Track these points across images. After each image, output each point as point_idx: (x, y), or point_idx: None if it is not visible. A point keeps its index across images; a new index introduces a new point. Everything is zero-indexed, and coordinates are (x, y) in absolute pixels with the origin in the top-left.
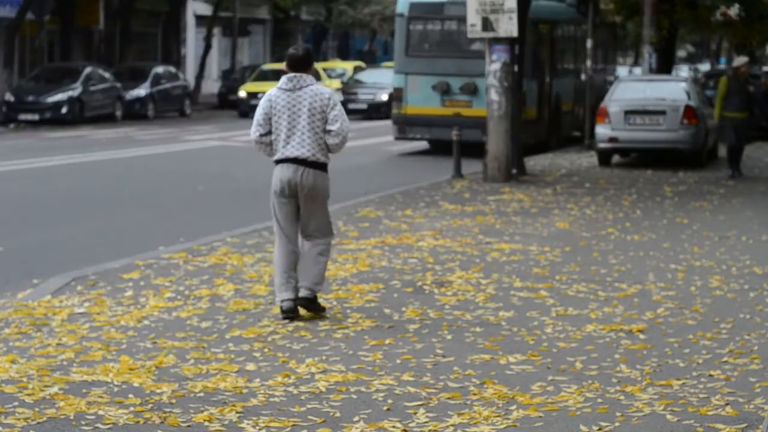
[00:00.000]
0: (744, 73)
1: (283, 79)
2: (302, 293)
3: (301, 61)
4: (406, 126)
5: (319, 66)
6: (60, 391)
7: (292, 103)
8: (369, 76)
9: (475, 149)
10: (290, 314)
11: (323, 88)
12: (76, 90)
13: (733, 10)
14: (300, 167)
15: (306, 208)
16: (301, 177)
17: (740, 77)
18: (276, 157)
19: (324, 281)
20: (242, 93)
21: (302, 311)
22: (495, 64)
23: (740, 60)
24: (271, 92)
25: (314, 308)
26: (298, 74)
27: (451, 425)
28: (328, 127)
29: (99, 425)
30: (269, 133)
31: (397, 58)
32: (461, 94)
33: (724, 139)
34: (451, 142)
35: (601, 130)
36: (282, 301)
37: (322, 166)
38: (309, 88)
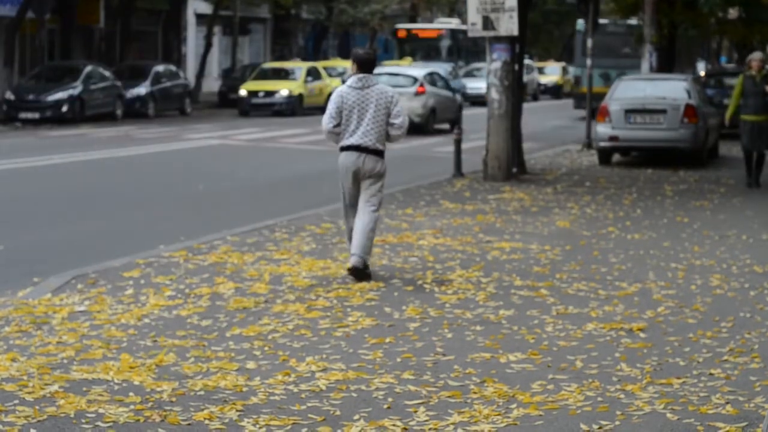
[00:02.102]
0: (760, 69)
1: (353, 78)
2: (354, 261)
3: (369, 63)
4: (581, 100)
5: (319, 65)
6: (60, 390)
7: (361, 99)
8: None
9: None
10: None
11: (387, 87)
12: (76, 89)
13: (733, 11)
14: (362, 154)
15: (366, 186)
16: (363, 161)
17: (757, 76)
18: (343, 144)
19: (371, 250)
20: (243, 92)
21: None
22: (495, 62)
23: (754, 54)
24: (341, 89)
25: (365, 273)
26: (366, 75)
27: (452, 424)
28: (392, 121)
29: (99, 423)
30: (339, 124)
31: (576, 56)
32: (617, 79)
33: (743, 144)
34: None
35: (602, 129)
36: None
37: (380, 153)
38: (375, 87)
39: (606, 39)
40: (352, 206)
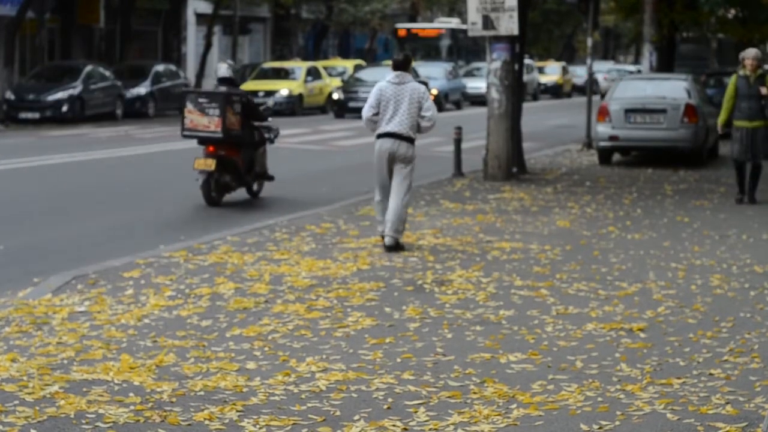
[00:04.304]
0: (755, 69)
1: (392, 75)
2: (388, 241)
3: (403, 64)
4: None
5: (319, 64)
6: (60, 390)
7: (397, 93)
8: (369, 74)
9: None
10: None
11: (419, 84)
12: (76, 88)
13: (732, 11)
14: (397, 140)
15: (398, 169)
16: (397, 147)
17: (751, 76)
18: (379, 132)
19: (405, 226)
20: None
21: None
22: (495, 62)
23: (748, 51)
24: (381, 84)
25: (398, 248)
26: (402, 72)
27: (452, 424)
28: (423, 114)
29: (99, 424)
30: (377, 114)
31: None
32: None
33: (732, 152)
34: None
35: (602, 129)
36: (384, 234)
37: (411, 140)
38: (410, 83)
39: (687, 46)
40: (383, 187)
